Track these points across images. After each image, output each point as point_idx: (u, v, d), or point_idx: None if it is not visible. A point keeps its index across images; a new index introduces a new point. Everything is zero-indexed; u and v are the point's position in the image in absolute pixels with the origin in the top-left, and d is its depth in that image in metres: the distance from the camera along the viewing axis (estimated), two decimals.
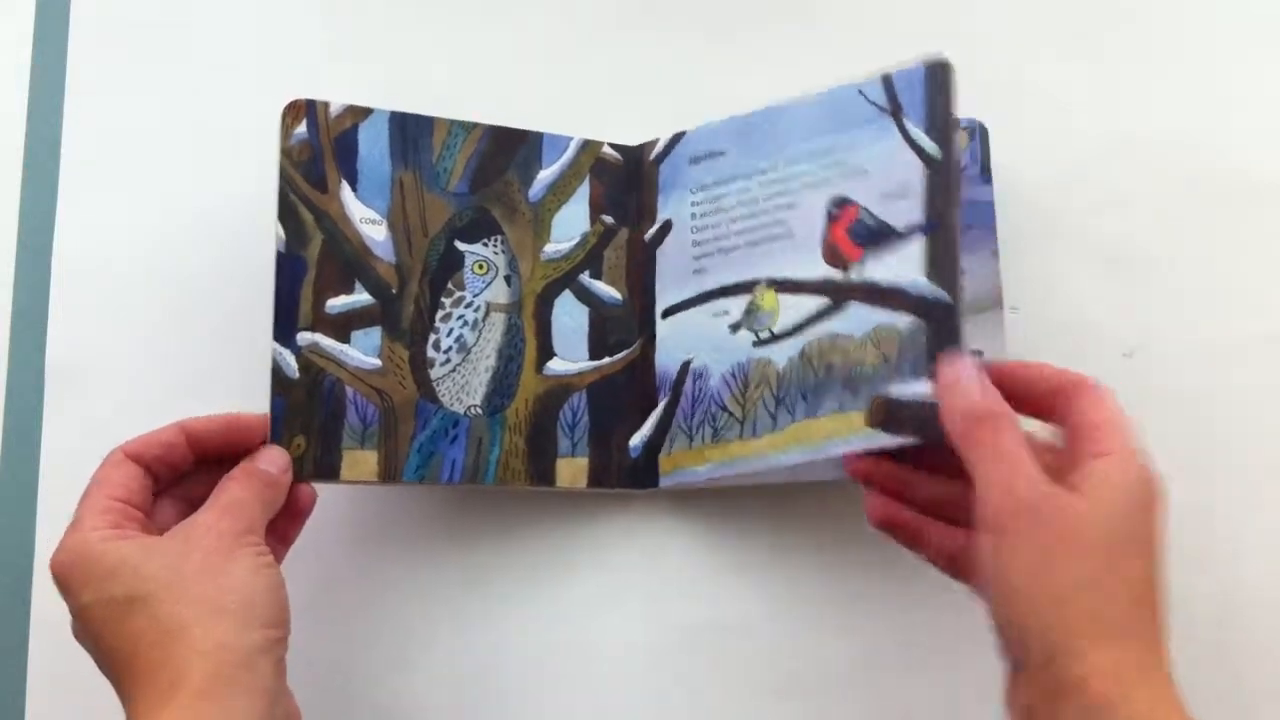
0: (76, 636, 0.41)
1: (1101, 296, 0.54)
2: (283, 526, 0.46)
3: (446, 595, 0.52)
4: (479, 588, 0.52)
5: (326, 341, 0.48)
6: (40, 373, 0.55)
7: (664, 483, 0.51)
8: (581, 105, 0.55)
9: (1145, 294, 0.54)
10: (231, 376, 0.51)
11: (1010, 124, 0.54)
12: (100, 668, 0.40)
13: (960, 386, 0.41)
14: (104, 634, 0.39)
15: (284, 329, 0.47)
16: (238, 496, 0.43)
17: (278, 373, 0.47)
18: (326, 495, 0.48)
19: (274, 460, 0.45)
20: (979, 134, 0.53)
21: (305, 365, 0.47)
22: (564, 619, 0.52)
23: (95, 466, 0.43)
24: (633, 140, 0.54)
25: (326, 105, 0.49)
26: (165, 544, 0.40)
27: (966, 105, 0.53)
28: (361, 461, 0.48)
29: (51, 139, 0.58)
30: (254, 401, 0.47)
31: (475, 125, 0.52)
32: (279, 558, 0.45)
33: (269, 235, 0.48)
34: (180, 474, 0.44)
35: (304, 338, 0.47)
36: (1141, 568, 0.38)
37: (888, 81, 0.47)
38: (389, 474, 0.48)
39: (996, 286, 0.52)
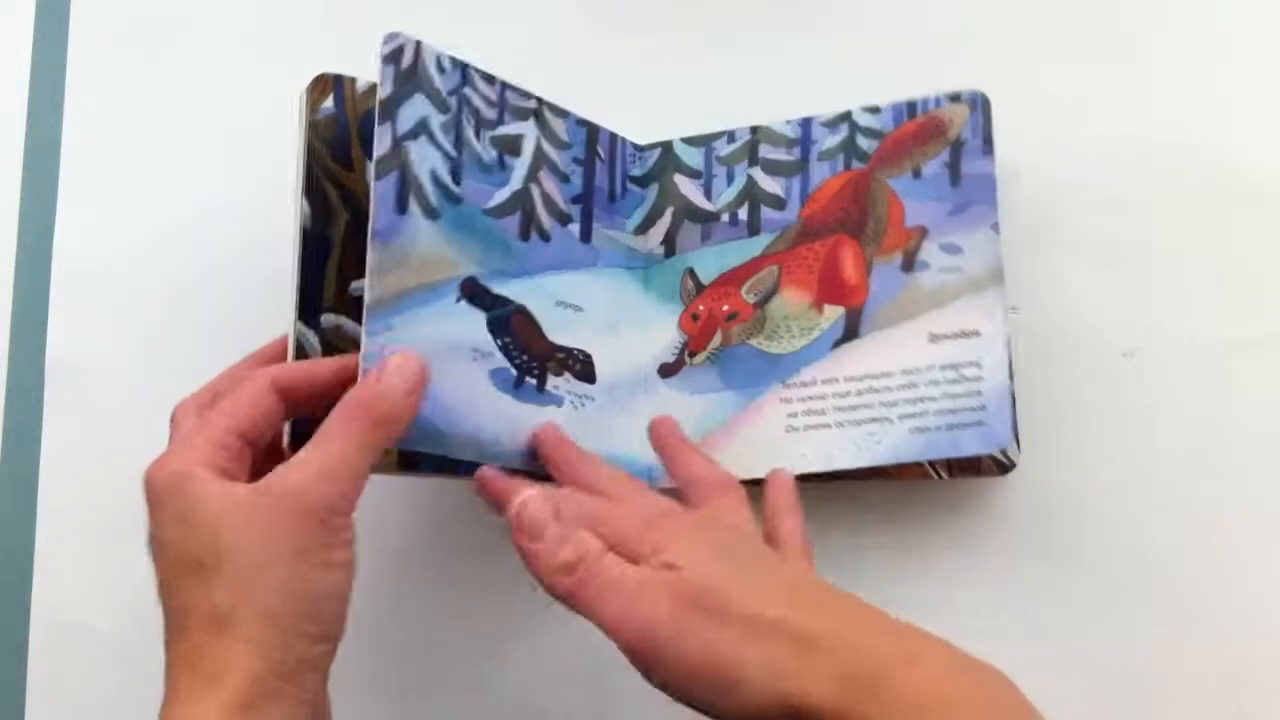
0: (149, 549, 0.39)
1: (1101, 296, 0.54)
2: None
3: (449, 591, 0.52)
4: (484, 582, 0.52)
5: (350, 325, 0.46)
6: (40, 373, 0.55)
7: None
8: (582, 105, 0.55)
9: (1145, 294, 0.54)
10: None
11: (1011, 124, 0.54)
12: (157, 592, 0.38)
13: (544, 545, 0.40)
14: (167, 578, 0.38)
15: (307, 309, 0.45)
16: (338, 451, 0.39)
17: (300, 353, 0.45)
18: None
19: (395, 383, 0.40)
20: (980, 105, 0.52)
21: (329, 347, 0.46)
22: (569, 615, 0.52)
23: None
24: (633, 140, 0.54)
25: (354, 80, 0.47)
26: (248, 510, 0.37)
27: None
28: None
29: (51, 139, 0.58)
30: None
31: None
32: None
33: (270, 234, 0.47)
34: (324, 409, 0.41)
35: (328, 319, 0.46)
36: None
37: None
38: (408, 464, 0.46)
39: (997, 263, 0.50)
